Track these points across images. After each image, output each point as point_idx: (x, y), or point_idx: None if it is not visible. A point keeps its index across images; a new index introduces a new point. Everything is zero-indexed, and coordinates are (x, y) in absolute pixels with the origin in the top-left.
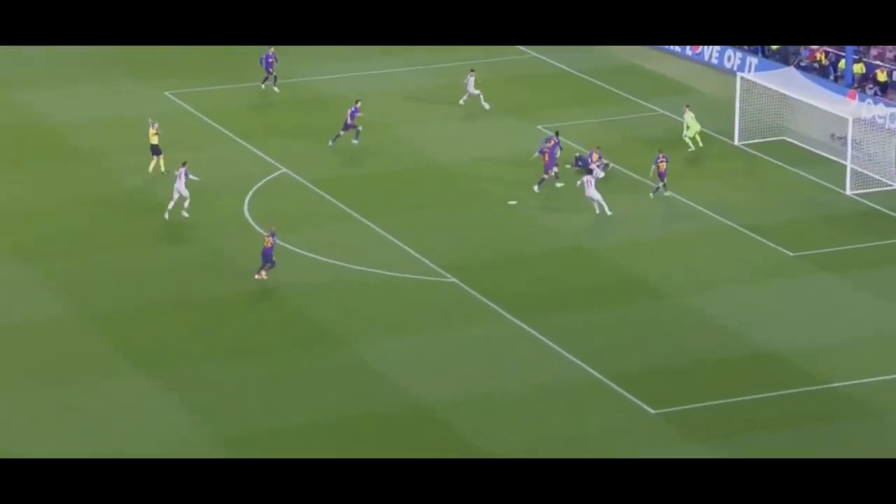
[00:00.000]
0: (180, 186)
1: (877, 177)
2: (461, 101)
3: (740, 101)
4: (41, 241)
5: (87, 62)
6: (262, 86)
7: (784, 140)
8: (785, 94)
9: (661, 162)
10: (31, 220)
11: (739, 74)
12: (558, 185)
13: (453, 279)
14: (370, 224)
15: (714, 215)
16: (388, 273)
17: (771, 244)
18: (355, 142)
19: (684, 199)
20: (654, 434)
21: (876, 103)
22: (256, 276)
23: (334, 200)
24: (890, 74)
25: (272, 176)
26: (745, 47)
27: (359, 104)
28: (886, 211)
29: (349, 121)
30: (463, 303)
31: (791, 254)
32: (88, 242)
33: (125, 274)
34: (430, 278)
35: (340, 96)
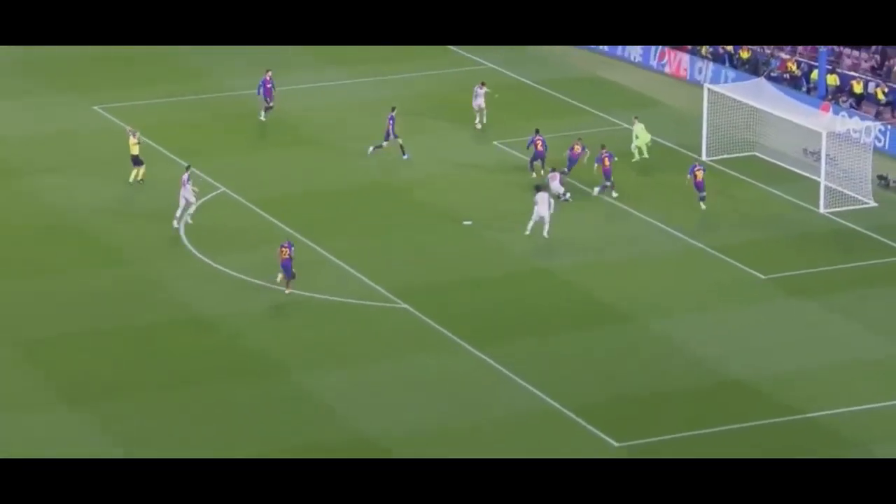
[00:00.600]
0: (187, 193)
1: (852, 194)
2: (477, 124)
3: (708, 114)
4: None
5: (4, 72)
6: (262, 117)
7: (754, 155)
8: (755, 107)
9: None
10: None
11: (707, 86)
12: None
13: (404, 305)
14: (314, 246)
15: (681, 235)
16: (333, 298)
17: (741, 266)
18: (372, 150)
19: (648, 218)
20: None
21: (851, 116)
22: (287, 291)
23: (276, 221)
24: (865, 86)
25: (210, 196)
26: (713, 58)
27: (395, 111)
28: (862, 230)
29: (391, 130)
30: (414, 330)
31: (762, 276)
32: (11, 267)
33: (51, 300)
34: (379, 304)
35: (280, 110)
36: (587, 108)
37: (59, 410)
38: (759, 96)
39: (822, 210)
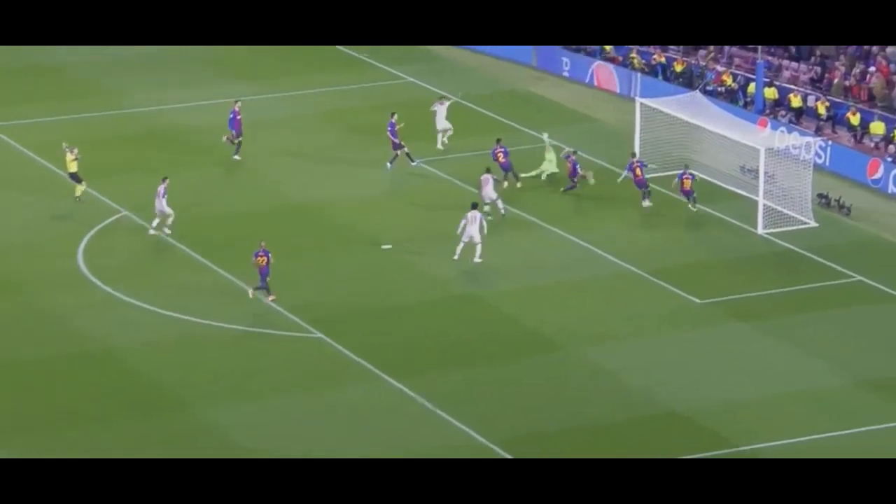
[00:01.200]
0: (161, 205)
1: (792, 214)
2: (440, 145)
3: (641, 129)
4: None
5: None
6: (237, 156)
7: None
8: (690, 122)
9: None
10: None
11: (639, 100)
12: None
13: (319, 334)
14: (222, 272)
15: (613, 259)
16: (242, 328)
17: (676, 290)
18: (391, 165)
19: (579, 241)
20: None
21: (790, 131)
22: (251, 294)
23: (181, 246)
24: (805, 99)
25: (111, 219)
26: (646, 71)
27: (395, 117)
28: (803, 252)
29: (394, 139)
30: (330, 361)
31: (698, 301)
32: None
33: None
34: (293, 333)
35: (183, 127)
36: (512, 124)
37: None
38: (694, 111)
39: (760, 231)
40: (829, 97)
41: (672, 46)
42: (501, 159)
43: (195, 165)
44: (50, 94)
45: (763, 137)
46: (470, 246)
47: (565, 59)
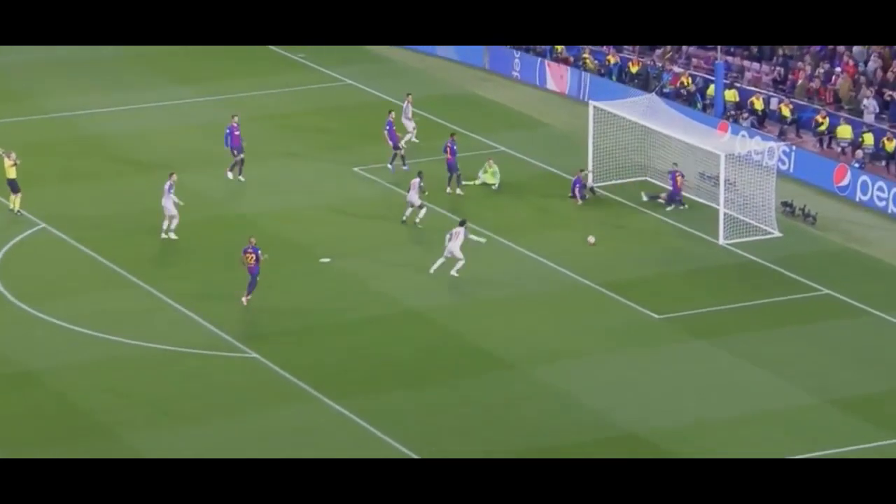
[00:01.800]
0: (167, 204)
1: (754, 223)
2: (403, 142)
3: (594, 134)
4: None
5: None
6: (236, 175)
7: (646, 181)
8: (646, 126)
9: (678, 176)
10: None
11: (592, 103)
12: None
13: (253, 354)
14: (149, 288)
15: (565, 271)
16: (171, 348)
17: (632, 304)
18: (392, 166)
19: (530, 253)
20: None
21: (752, 136)
22: (244, 300)
23: (105, 261)
24: (767, 102)
25: (28, 233)
26: (599, 72)
27: (392, 115)
28: (766, 263)
29: (392, 139)
30: (265, 382)
31: (656, 316)
32: None
33: None
34: (225, 353)
35: (109, 133)
36: (459, 129)
37: None
38: (651, 114)
39: (721, 241)
40: (792, 99)
41: (627, 46)
42: (449, 156)
43: (121, 175)
44: None
45: (723, 142)
46: (450, 261)
47: (516, 60)
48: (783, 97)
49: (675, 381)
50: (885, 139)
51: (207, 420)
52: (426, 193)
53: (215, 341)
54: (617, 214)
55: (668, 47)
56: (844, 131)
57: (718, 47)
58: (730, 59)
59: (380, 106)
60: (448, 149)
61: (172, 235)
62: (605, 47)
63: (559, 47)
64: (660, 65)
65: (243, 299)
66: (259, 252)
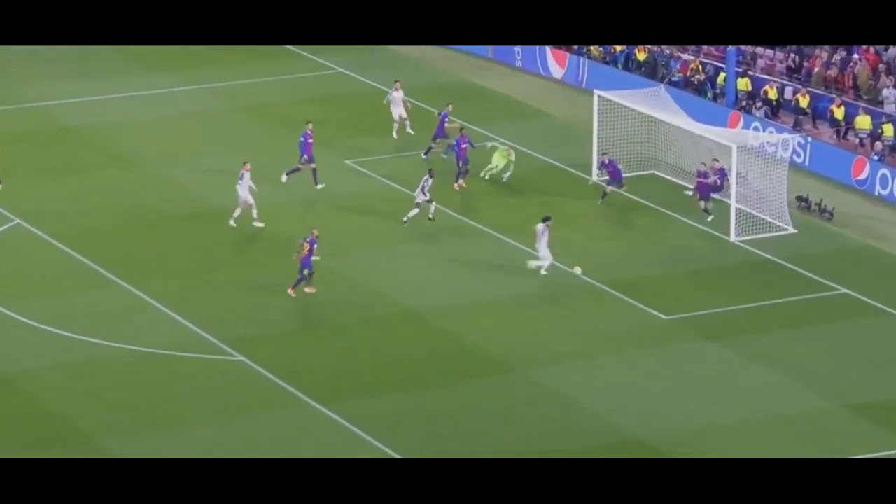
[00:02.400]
0: (242, 192)
1: (768, 219)
2: (396, 134)
3: (598, 126)
4: None
5: None
6: (319, 185)
7: (654, 174)
8: (653, 117)
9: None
10: None
11: (598, 93)
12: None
13: (240, 357)
14: (131, 288)
15: (568, 269)
16: (154, 351)
17: (639, 305)
18: (445, 156)
19: (530, 250)
20: None
21: (765, 127)
22: (306, 289)
23: (82, 258)
24: (781, 91)
25: (2, 229)
26: (605, 60)
27: (450, 107)
28: (779, 261)
29: (440, 129)
30: (252, 386)
31: (664, 317)
32: None
33: None
34: (211, 356)
35: (90, 123)
36: (458, 120)
37: None
38: (659, 104)
39: (733, 238)
40: (809, 88)
41: None
42: (463, 145)
43: (99, 168)
44: None
45: (735, 134)
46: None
47: (517, 48)
48: (799, 86)
49: (683, 385)
50: None
51: (191, 426)
52: (427, 199)
53: (199, 343)
54: (623, 210)
55: None
56: (863, 122)
57: None
58: (742, 45)
59: (373, 95)
60: (457, 143)
61: (258, 223)
62: None
63: None
64: (668, 52)
65: (290, 291)
66: (315, 246)
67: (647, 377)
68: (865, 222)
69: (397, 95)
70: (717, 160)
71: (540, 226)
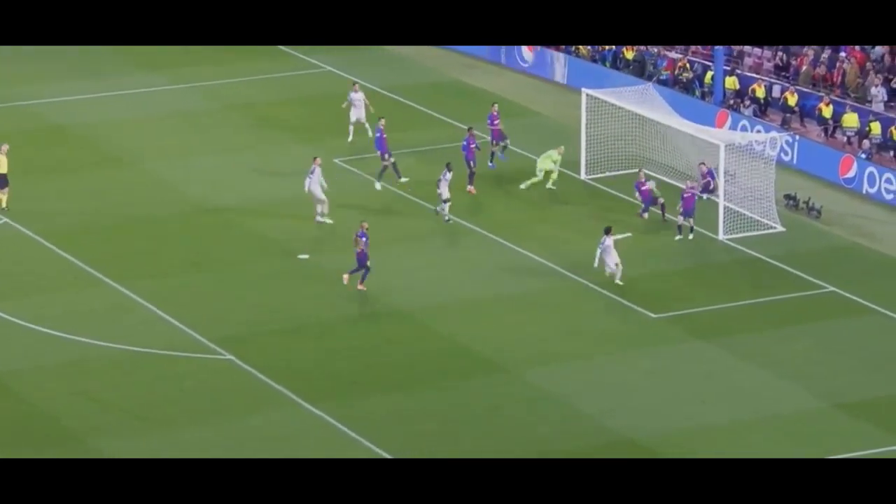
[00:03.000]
0: (314, 188)
1: (756, 217)
2: (352, 136)
3: (587, 124)
4: None
5: None
6: (403, 179)
7: (642, 172)
8: (641, 116)
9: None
10: None
11: (585, 91)
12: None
13: (229, 356)
14: (118, 287)
15: (558, 269)
16: (142, 350)
17: (628, 304)
18: (502, 157)
19: (520, 249)
20: None
21: (753, 126)
22: (360, 287)
23: (71, 258)
24: (769, 90)
25: None
26: (593, 58)
27: (496, 107)
28: (768, 259)
29: (496, 133)
30: (241, 385)
31: (653, 315)
32: None
33: None
34: (200, 355)
35: (75, 124)
36: (446, 119)
37: None
38: (646, 103)
39: (720, 236)
40: (796, 87)
41: None
42: (472, 145)
43: (88, 167)
44: None
45: (723, 133)
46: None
47: (502, 46)
48: (787, 84)
49: (672, 384)
50: (893, 128)
51: (181, 425)
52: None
53: (189, 343)
54: (610, 209)
55: None
56: (850, 120)
57: None
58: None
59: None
60: (466, 144)
61: (328, 220)
62: None
63: None
64: (655, 51)
65: (359, 287)
66: (366, 238)
67: (636, 376)
68: (853, 220)
69: (357, 97)
70: (703, 163)
71: (607, 241)
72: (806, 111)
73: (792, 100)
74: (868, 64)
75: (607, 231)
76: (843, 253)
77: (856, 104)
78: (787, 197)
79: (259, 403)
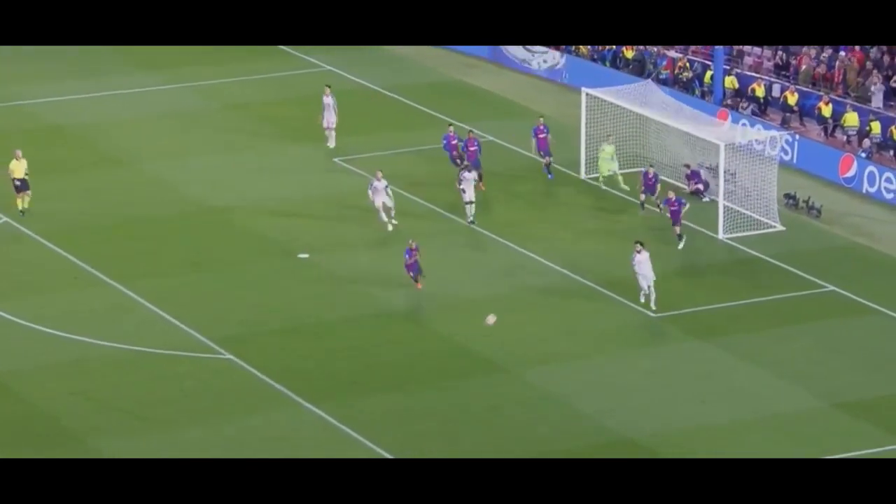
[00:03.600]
0: (376, 197)
1: (756, 216)
2: (331, 142)
3: (586, 123)
4: None
5: None
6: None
7: (641, 171)
8: (641, 115)
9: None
10: None
11: (585, 90)
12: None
13: (228, 355)
14: (119, 286)
15: (558, 268)
16: (143, 349)
17: (627, 303)
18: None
19: (520, 249)
20: None
21: (752, 125)
22: (419, 287)
23: (72, 257)
24: (769, 89)
25: None
26: (593, 57)
27: (542, 120)
28: (768, 259)
29: (541, 144)
30: (241, 385)
31: (652, 315)
32: None
33: None
34: (199, 355)
35: (73, 124)
36: (446, 118)
37: None
38: (646, 102)
39: (720, 235)
40: (796, 86)
41: None
42: (472, 147)
43: (87, 167)
44: None
45: (723, 132)
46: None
47: (502, 46)
48: (787, 83)
49: (671, 384)
50: (893, 127)
51: (181, 425)
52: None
53: (189, 342)
54: (610, 207)
55: None
56: (850, 119)
57: None
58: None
59: (362, 94)
60: (466, 146)
61: (394, 221)
62: None
63: None
64: (655, 50)
65: (418, 286)
66: (409, 257)
67: (636, 376)
68: (853, 220)
69: (328, 101)
70: (687, 165)
71: (639, 256)
72: (806, 110)
73: (792, 99)
74: (868, 63)
75: (639, 245)
76: (843, 252)
77: (856, 103)
78: (787, 196)
79: (259, 403)
